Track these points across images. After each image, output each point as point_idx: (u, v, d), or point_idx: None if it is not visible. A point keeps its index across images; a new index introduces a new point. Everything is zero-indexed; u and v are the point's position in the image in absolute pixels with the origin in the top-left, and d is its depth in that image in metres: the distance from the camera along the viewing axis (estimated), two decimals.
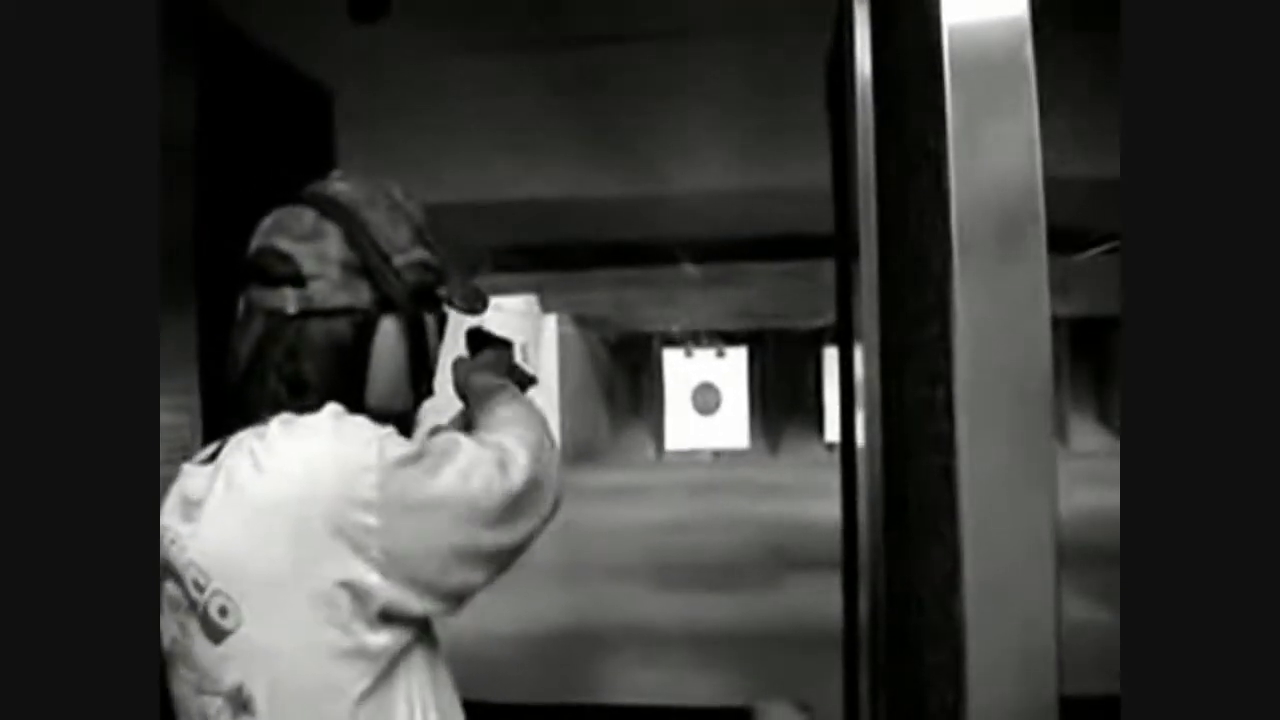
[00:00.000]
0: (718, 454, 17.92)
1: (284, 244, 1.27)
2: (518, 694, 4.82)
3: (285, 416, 1.23)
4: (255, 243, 1.30)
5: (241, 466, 1.19)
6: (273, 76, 2.88)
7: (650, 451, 18.98)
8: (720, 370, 17.46)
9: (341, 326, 1.28)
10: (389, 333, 1.31)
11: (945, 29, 1.13)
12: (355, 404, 1.26)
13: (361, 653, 1.17)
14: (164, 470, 1.19)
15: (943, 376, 1.16)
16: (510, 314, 13.00)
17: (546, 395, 14.13)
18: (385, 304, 1.30)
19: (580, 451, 16.28)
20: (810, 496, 10.85)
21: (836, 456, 2.67)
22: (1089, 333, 15.33)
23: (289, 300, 1.26)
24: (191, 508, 1.22)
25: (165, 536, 1.24)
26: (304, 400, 1.25)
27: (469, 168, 4.73)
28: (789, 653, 5.77)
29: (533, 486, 1.28)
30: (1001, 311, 1.10)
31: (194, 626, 1.20)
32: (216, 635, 1.18)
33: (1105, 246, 6.96)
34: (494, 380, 1.54)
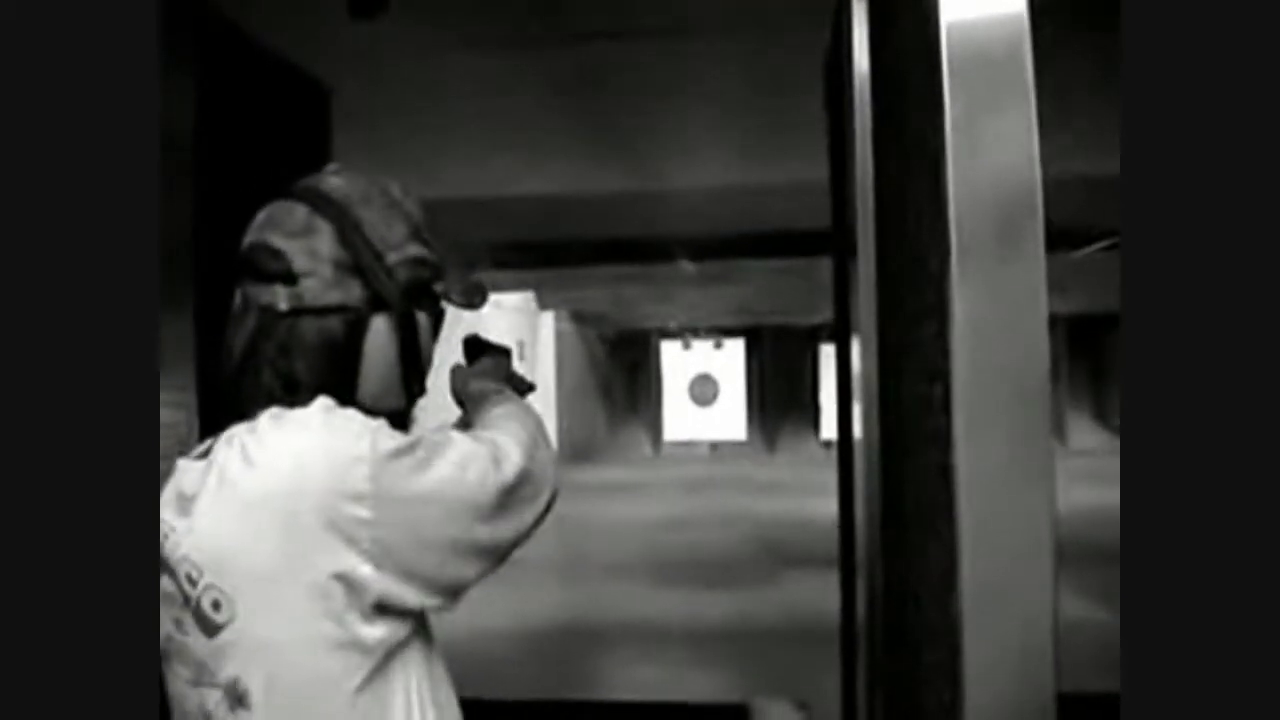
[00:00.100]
0: (714, 446, 17.94)
1: (276, 240, 1.27)
2: (515, 691, 4.83)
3: (275, 411, 1.23)
4: (249, 237, 1.30)
5: (233, 461, 1.19)
6: (272, 74, 2.88)
7: (647, 448, 19.00)
8: (718, 362, 17.48)
9: (333, 324, 1.27)
10: (381, 331, 1.30)
11: (943, 27, 1.13)
12: (347, 401, 1.26)
13: (356, 645, 1.17)
14: (161, 466, 1.19)
15: (941, 374, 1.17)
16: (507, 310, 13.00)
17: (543, 392, 14.11)
18: (377, 302, 1.29)
19: (577, 448, 16.29)
20: (807, 494, 10.88)
21: (833, 454, 2.68)
22: (1087, 330, 15.36)
23: (280, 297, 1.26)
24: (185, 502, 1.22)
25: (160, 531, 1.24)
26: (297, 396, 1.25)
27: (468, 165, 4.73)
28: (786, 650, 5.78)
29: (526, 481, 1.28)
30: (1000, 309, 1.11)
31: (188, 621, 1.20)
32: (210, 629, 1.18)
33: (1103, 244, 6.97)
34: (491, 386, 1.54)
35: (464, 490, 1.22)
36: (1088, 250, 6.85)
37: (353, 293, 1.28)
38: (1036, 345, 1.10)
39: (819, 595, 3.89)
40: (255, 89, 2.77)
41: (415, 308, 1.34)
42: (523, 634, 6.63)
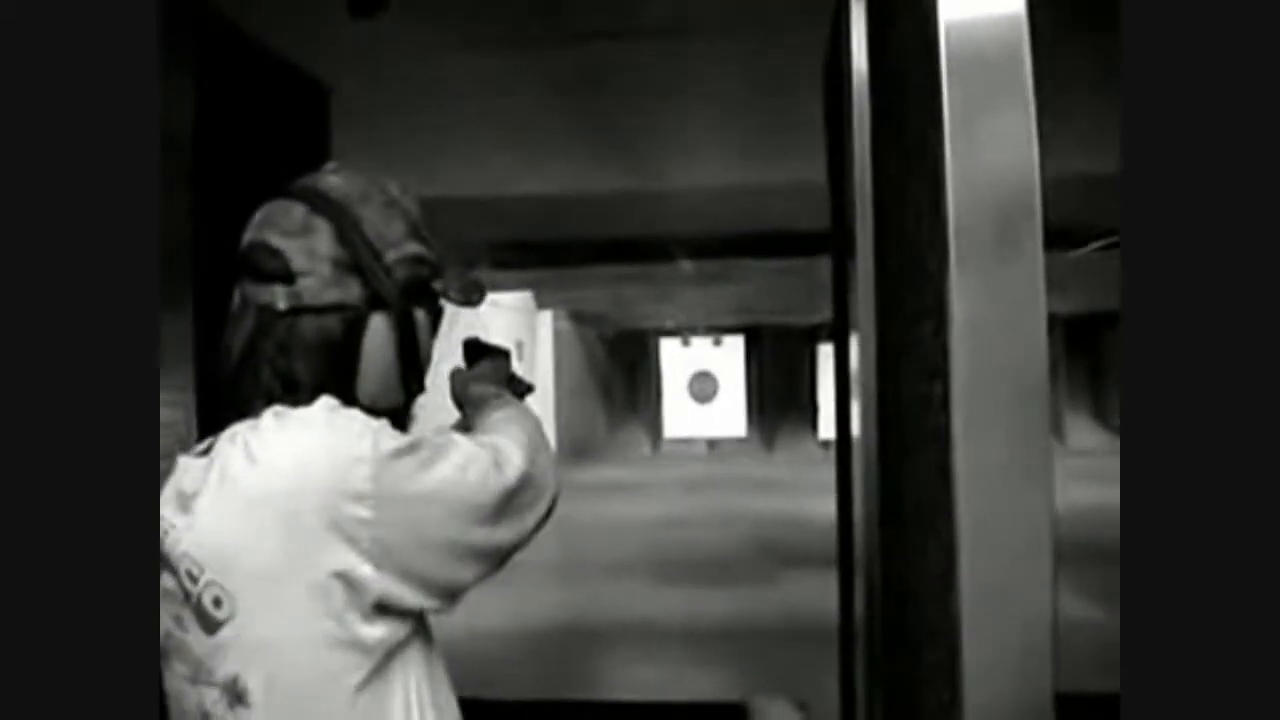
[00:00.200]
0: (713, 444, 17.93)
1: (274, 239, 1.27)
2: (513, 690, 4.83)
3: (278, 409, 1.23)
4: (247, 236, 1.30)
5: (235, 458, 1.19)
6: (271, 73, 2.88)
7: (646, 448, 18.99)
8: (717, 359, 17.47)
9: (332, 323, 1.27)
10: (380, 329, 1.30)
11: (942, 26, 1.13)
12: (346, 399, 1.26)
13: (356, 644, 1.17)
14: (160, 466, 1.19)
15: (939, 373, 1.17)
16: (506, 310, 12.99)
17: (542, 392, 14.12)
18: (376, 301, 1.29)
19: (576, 448, 16.29)
20: (806, 493, 10.88)
21: (831, 453, 2.68)
22: (1086, 330, 15.36)
23: (279, 296, 1.26)
24: (186, 500, 1.23)
25: (160, 528, 1.24)
26: (296, 395, 1.25)
27: (467, 164, 4.73)
28: (785, 649, 5.78)
29: (527, 485, 1.29)
30: (998, 308, 1.11)
31: (188, 618, 1.20)
32: (210, 626, 1.18)
33: (1102, 243, 6.96)
34: (491, 390, 1.55)
35: (465, 492, 1.22)
36: (1087, 250, 6.85)
37: (351, 291, 1.28)
38: (1035, 345, 1.10)
39: (818, 595, 3.89)
40: (255, 89, 2.77)
41: (414, 306, 1.34)
42: (521, 634, 6.63)
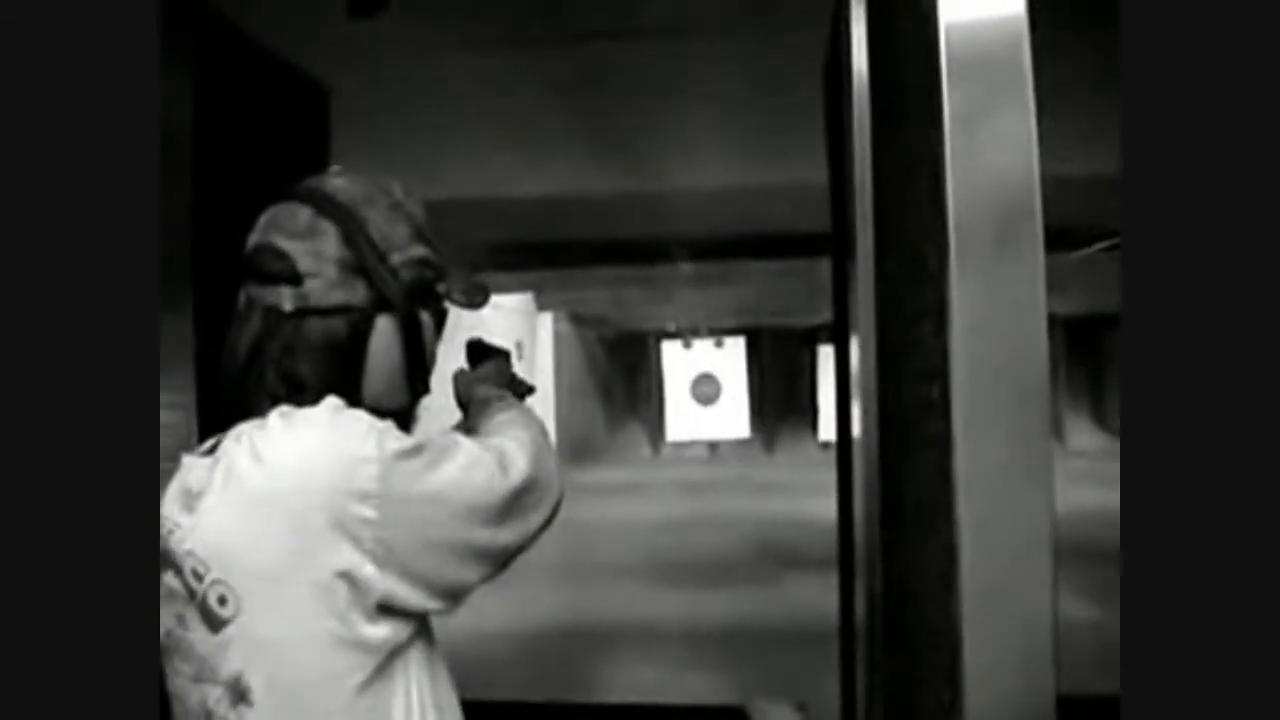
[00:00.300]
0: (713, 446, 17.92)
1: (280, 241, 1.28)
2: (514, 692, 4.83)
3: (284, 409, 1.24)
4: (253, 239, 1.31)
5: (241, 458, 1.20)
6: (271, 74, 2.87)
7: (646, 450, 18.99)
8: (719, 360, 17.44)
9: (338, 325, 1.28)
10: (385, 331, 1.31)
11: (942, 27, 1.13)
12: (352, 400, 1.27)
13: (360, 644, 1.17)
14: (161, 468, 1.19)
15: (940, 375, 1.17)
16: (506, 311, 12.99)
17: (542, 394, 14.09)
18: (382, 303, 1.30)
19: (577, 449, 16.29)
20: (806, 494, 10.86)
21: (831, 454, 2.68)
22: (1086, 331, 15.34)
23: (285, 298, 1.27)
24: (192, 499, 1.23)
25: (164, 527, 1.25)
26: (301, 396, 1.26)
27: (467, 165, 4.72)
28: (785, 651, 5.77)
29: (531, 488, 1.29)
30: (999, 310, 1.11)
31: (192, 616, 1.20)
32: (215, 624, 1.18)
33: (1102, 244, 6.96)
34: (493, 392, 1.56)
35: (469, 493, 1.23)
36: (1087, 251, 6.85)
37: (357, 293, 1.29)
38: (1036, 345, 1.10)
39: (818, 596, 3.89)
40: (255, 89, 2.76)
41: (419, 308, 1.35)
42: (522, 635, 6.63)
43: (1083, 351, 16.31)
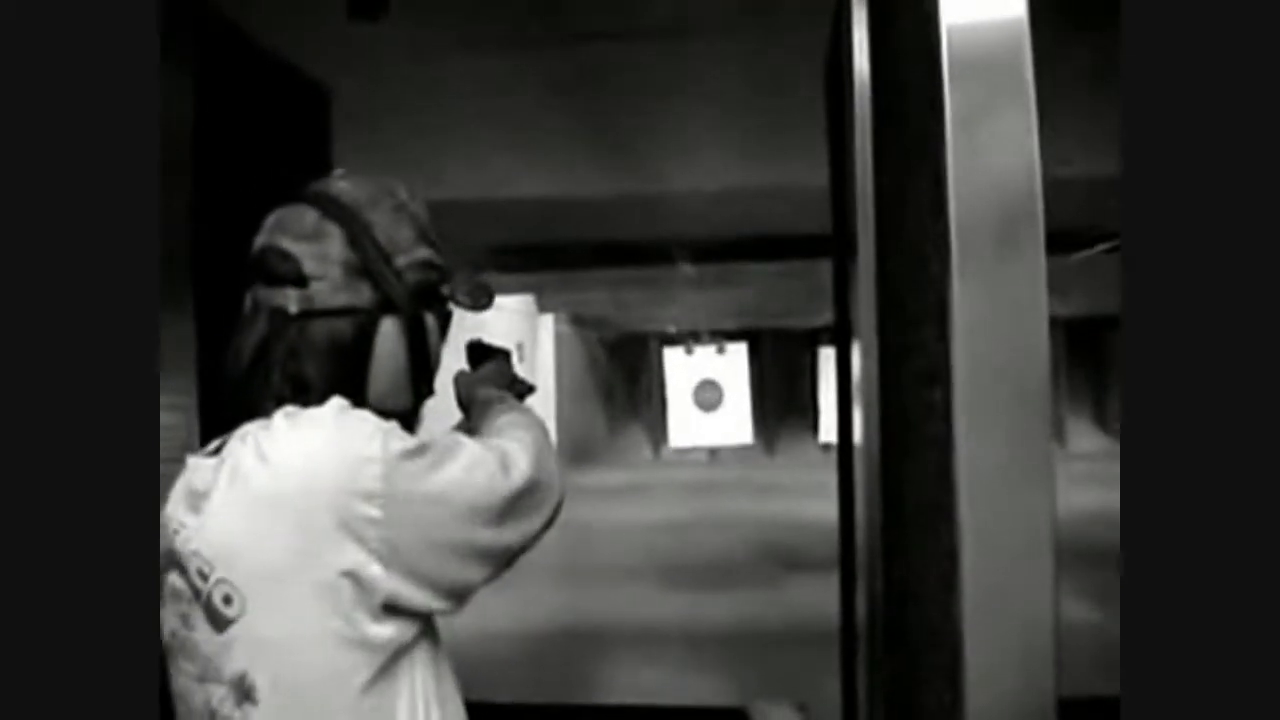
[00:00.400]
0: (714, 452, 17.91)
1: (286, 243, 1.29)
2: (515, 693, 4.82)
3: (289, 410, 1.24)
4: (259, 241, 1.32)
5: (246, 458, 1.20)
6: (271, 75, 2.87)
7: (648, 451, 18.99)
8: (721, 366, 17.42)
9: (343, 326, 1.29)
10: (390, 333, 1.32)
11: (943, 29, 1.13)
12: (357, 402, 1.27)
13: (364, 643, 1.18)
14: (161, 470, 1.19)
15: (941, 376, 1.16)
16: (507, 313, 12.99)
17: (543, 395, 14.11)
18: (387, 305, 1.31)
19: (578, 451, 16.29)
20: (807, 496, 10.85)
21: (832, 456, 2.67)
22: (1087, 333, 15.33)
23: (291, 300, 1.28)
24: (197, 499, 1.24)
25: (170, 527, 1.25)
26: (306, 398, 1.26)
27: (467, 166, 4.72)
28: (786, 652, 5.77)
29: (533, 489, 1.29)
30: (1000, 311, 1.11)
31: (197, 616, 1.21)
32: (220, 623, 1.19)
33: (1103, 246, 6.96)
34: (495, 393, 1.57)
35: (472, 494, 1.23)
36: (1088, 253, 6.84)
37: (362, 295, 1.30)
38: (1036, 347, 1.10)
39: (819, 598, 3.88)
40: (255, 89, 2.76)
41: (423, 310, 1.36)
42: (524, 637, 6.63)
43: (1083, 353, 16.30)
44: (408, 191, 1.38)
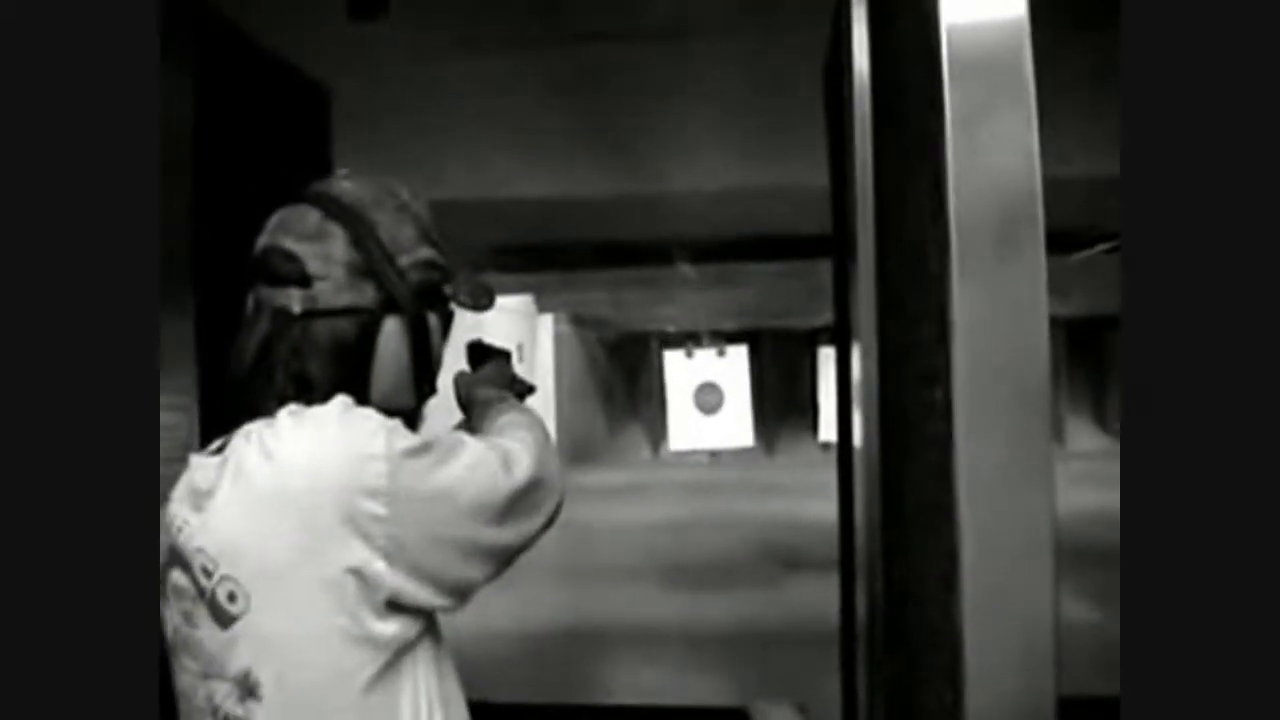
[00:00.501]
0: (714, 454, 17.91)
1: (290, 244, 1.29)
2: (515, 693, 4.82)
3: (294, 408, 1.25)
4: (262, 241, 1.32)
5: (250, 455, 1.21)
6: (271, 75, 2.87)
7: (647, 451, 19.00)
8: (721, 369, 17.41)
9: (346, 326, 1.29)
10: (393, 333, 1.33)
11: (943, 29, 1.13)
12: (360, 401, 1.28)
13: (369, 640, 1.18)
14: (162, 469, 1.19)
15: (941, 376, 1.16)
16: (507, 313, 12.99)
17: (543, 395, 14.10)
18: (390, 304, 1.32)
19: (578, 451, 16.28)
20: (807, 496, 10.85)
21: (832, 456, 2.68)
22: (1087, 333, 15.33)
23: (294, 300, 1.28)
24: (201, 497, 1.24)
25: (173, 525, 1.26)
26: (309, 397, 1.27)
27: (467, 166, 4.72)
28: (786, 652, 5.77)
29: (534, 487, 1.30)
30: (1000, 311, 1.11)
31: (201, 613, 1.22)
32: (224, 620, 1.19)
33: (1103, 246, 6.96)
34: (494, 393, 1.58)
35: (474, 492, 1.24)
36: (1088, 253, 6.84)
37: (365, 295, 1.30)
38: (1037, 347, 1.10)
39: (819, 598, 3.88)
40: (255, 89, 2.76)
41: (426, 310, 1.36)
42: (524, 636, 6.63)
43: (1083, 353, 16.30)
44: (410, 192, 1.39)
